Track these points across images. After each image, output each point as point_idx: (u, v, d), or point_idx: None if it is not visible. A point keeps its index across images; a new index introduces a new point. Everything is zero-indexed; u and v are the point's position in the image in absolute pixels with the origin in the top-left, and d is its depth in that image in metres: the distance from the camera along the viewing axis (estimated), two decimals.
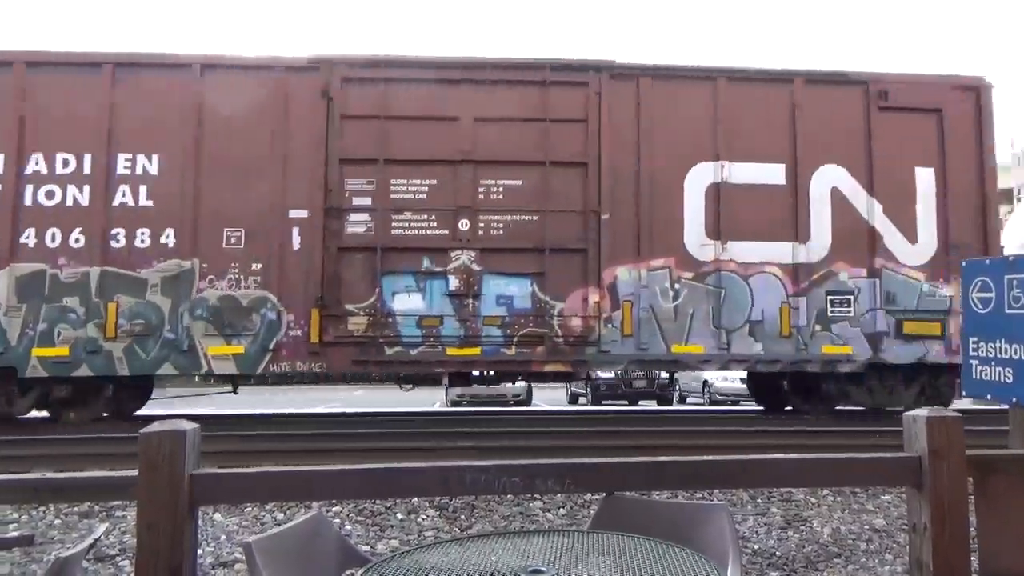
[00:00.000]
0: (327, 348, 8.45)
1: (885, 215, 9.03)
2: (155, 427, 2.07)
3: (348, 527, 4.80)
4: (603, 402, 17.73)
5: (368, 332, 8.47)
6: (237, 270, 8.41)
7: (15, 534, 4.54)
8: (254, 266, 8.42)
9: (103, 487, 2.45)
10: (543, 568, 2.02)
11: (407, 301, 8.51)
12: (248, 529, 4.78)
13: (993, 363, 3.23)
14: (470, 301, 8.55)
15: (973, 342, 3.36)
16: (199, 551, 4.06)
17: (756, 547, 4.60)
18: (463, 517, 5.06)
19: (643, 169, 8.85)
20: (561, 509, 5.25)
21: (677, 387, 19.06)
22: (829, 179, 9.03)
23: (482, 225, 8.64)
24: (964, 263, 3.59)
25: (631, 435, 8.33)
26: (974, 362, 3.34)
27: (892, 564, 4.38)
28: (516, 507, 5.24)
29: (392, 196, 8.62)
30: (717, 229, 8.85)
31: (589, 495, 5.07)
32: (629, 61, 9.14)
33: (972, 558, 2.34)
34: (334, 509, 5.00)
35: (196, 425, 2.15)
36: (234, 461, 6.21)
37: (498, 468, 2.23)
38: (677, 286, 8.76)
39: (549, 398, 20.56)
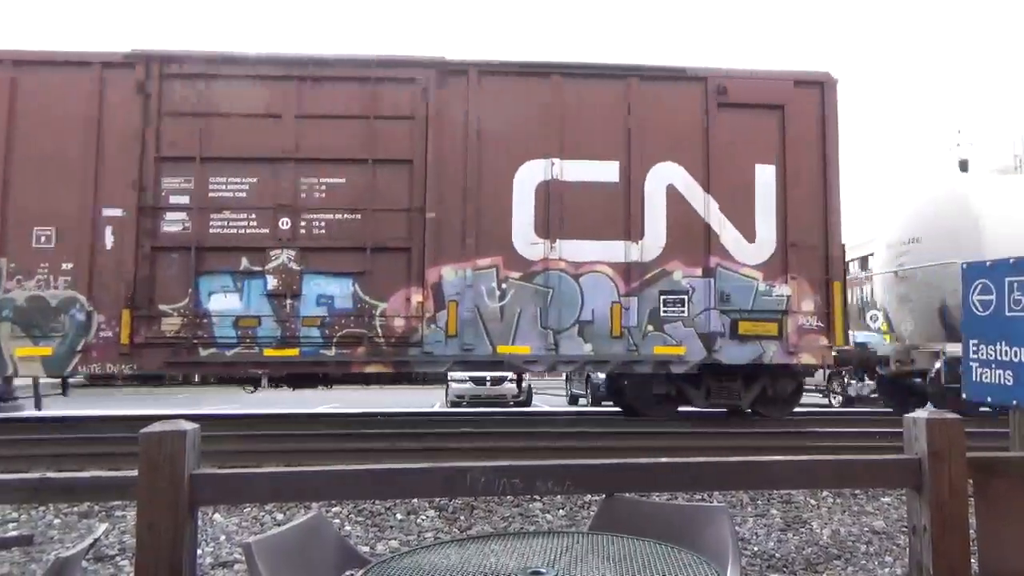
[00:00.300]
0: (139, 349, 8.25)
1: (722, 213, 8.86)
2: (156, 427, 2.07)
3: (348, 528, 4.80)
4: (603, 403, 17.69)
5: (182, 333, 8.30)
6: (47, 270, 8.21)
7: (14, 534, 4.54)
8: (64, 266, 8.22)
9: (103, 487, 2.45)
10: (543, 569, 2.02)
11: (224, 301, 8.36)
12: (248, 529, 4.78)
13: (993, 366, 3.22)
14: (289, 301, 8.38)
15: (973, 344, 3.35)
16: (199, 551, 4.06)
17: (756, 549, 4.60)
18: (463, 518, 5.06)
19: (471, 167, 8.69)
20: (560, 510, 5.25)
21: None
22: (665, 177, 8.86)
23: (304, 224, 8.50)
24: (964, 265, 3.54)
25: (631, 436, 8.33)
26: (974, 365, 3.34)
27: (892, 566, 4.38)
28: (516, 508, 5.24)
29: (211, 195, 8.46)
30: (547, 228, 8.69)
31: (589, 496, 5.07)
32: (461, 57, 8.99)
33: (972, 560, 2.34)
34: (334, 509, 5.00)
35: (196, 425, 2.15)
36: (235, 461, 6.22)
37: (498, 469, 2.23)
38: (504, 286, 8.60)
39: (549, 399, 20.54)
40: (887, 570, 4.34)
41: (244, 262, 8.42)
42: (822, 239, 8.95)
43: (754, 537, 4.78)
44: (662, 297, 8.72)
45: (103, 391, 15.13)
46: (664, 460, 2.41)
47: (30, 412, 9.72)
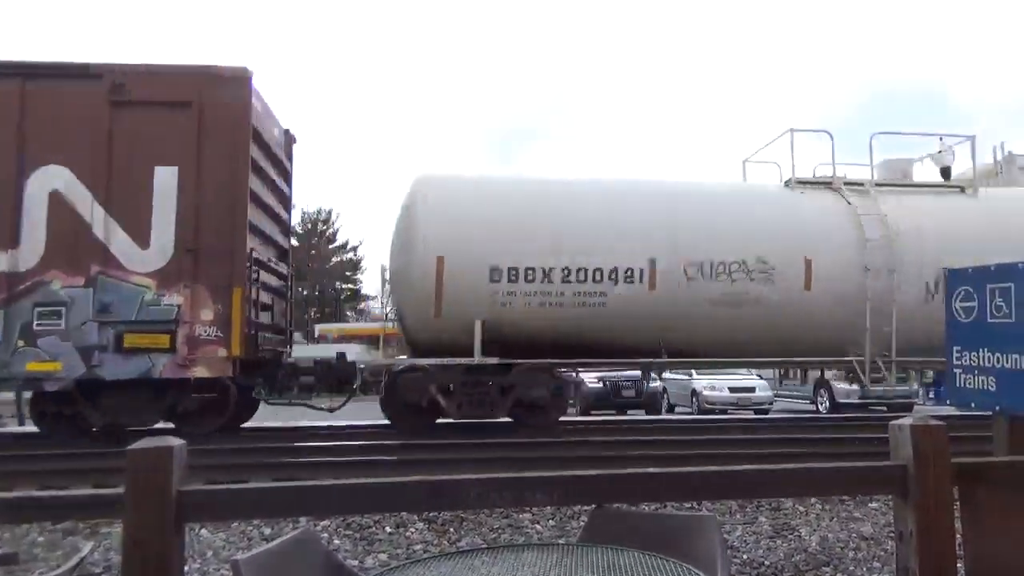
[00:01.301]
0: None
1: (113, 219, 8.30)
2: (142, 443, 2.06)
3: (336, 541, 4.77)
4: (591, 412, 17.71)
5: None
6: None
7: None
8: None
9: (89, 504, 2.43)
10: None
11: None
12: (235, 544, 4.74)
13: (976, 372, 3.26)
14: None
15: (956, 351, 3.38)
16: (185, 568, 4.03)
17: (745, 557, 4.61)
18: (452, 530, 5.04)
19: None
20: (551, 520, 5.25)
21: (666, 397, 19.12)
22: (49, 181, 8.26)
23: None
24: (946, 272, 3.57)
25: (619, 445, 8.34)
26: (958, 371, 3.37)
27: (880, 572, 4.40)
28: (505, 519, 5.23)
29: None
30: None
31: (579, 507, 5.07)
32: None
33: (959, 565, 2.36)
34: (322, 523, 4.98)
35: (183, 441, 2.14)
36: (223, 475, 6.18)
37: (487, 481, 2.23)
38: None
39: None
40: (875, 575, 4.37)
41: None
42: (228, 241, 8.43)
43: (743, 545, 4.79)
44: (37, 310, 8.10)
45: None
46: (653, 470, 2.42)
47: (17, 427, 9.63)
